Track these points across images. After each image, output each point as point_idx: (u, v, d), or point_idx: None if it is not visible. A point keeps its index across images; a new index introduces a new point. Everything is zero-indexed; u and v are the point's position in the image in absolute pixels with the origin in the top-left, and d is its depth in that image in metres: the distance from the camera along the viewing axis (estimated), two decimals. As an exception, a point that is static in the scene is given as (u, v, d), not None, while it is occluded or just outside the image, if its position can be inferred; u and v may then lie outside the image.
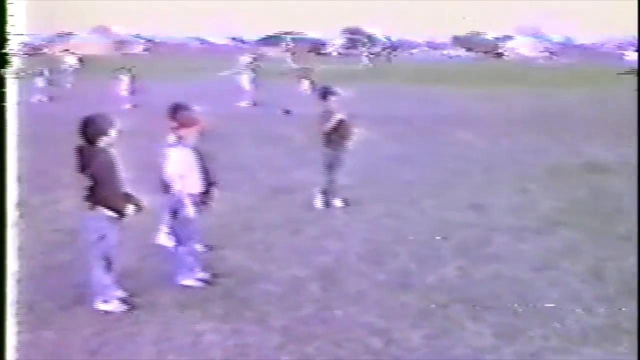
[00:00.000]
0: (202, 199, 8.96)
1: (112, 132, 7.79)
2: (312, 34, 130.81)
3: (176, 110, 9.27)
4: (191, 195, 8.65)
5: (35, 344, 7.20)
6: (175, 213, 8.66)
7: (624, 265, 9.44)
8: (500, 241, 10.68)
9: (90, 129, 7.76)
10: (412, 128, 24.47)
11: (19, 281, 4.66)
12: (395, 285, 8.79)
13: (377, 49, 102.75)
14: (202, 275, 8.85)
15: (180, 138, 8.63)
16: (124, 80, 33.03)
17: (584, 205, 13.09)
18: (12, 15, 3.95)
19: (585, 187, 14.64)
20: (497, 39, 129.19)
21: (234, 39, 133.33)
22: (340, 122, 12.50)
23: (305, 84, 33.83)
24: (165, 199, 8.78)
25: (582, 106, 34.00)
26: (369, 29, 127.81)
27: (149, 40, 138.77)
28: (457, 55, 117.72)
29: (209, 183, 9.01)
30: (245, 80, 33.92)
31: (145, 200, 8.06)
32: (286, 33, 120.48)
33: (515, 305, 8.10)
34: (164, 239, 10.04)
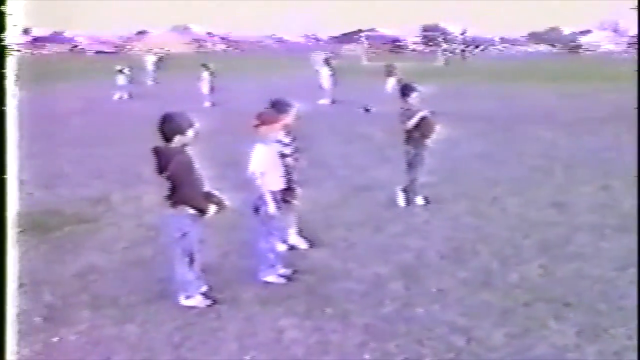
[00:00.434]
0: (284, 197, 8.99)
1: (189, 132, 7.81)
2: (388, 31, 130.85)
3: (277, 106, 9.39)
4: (272, 192, 8.69)
5: (119, 337, 7.32)
6: (256, 210, 8.70)
7: None
8: (582, 239, 10.53)
9: (168, 127, 7.80)
10: (493, 125, 24.28)
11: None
12: (477, 283, 8.72)
13: (453, 46, 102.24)
14: (283, 271, 8.90)
15: (262, 135, 8.65)
16: (204, 78, 33.26)
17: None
18: (10, 14, 3.91)
19: (670, 185, 14.35)
20: (574, 33, 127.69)
21: (309, 36, 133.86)
22: (422, 120, 12.43)
23: (391, 82, 33.63)
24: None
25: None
26: (446, 26, 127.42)
27: (225, 38, 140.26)
28: (534, 51, 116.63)
29: (289, 180, 9.07)
30: (323, 77, 33.93)
31: (227, 197, 8.10)
32: (361, 30, 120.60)
33: (598, 303, 7.98)
34: (295, 239, 10.16)
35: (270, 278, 8.74)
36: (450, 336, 7.18)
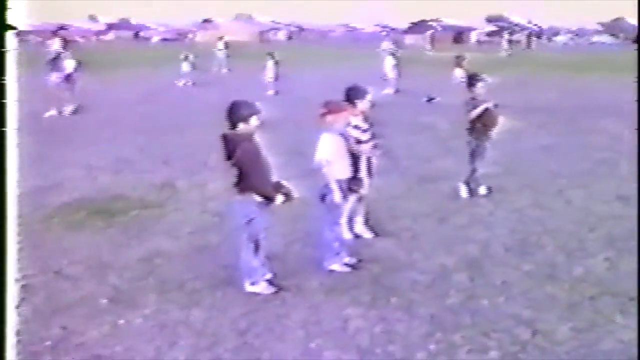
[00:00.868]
0: (350, 186, 9.00)
1: (253, 120, 7.87)
2: (454, 21, 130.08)
3: (353, 92, 9.44)
4: (339, 181, 8.71)
5: (185, 322, 7.41)
6: (323, 198, 8.72)
7: None
8: (648, 234, 10.40)
9: (233, 114, 7.87)
10: (557, 117, 23.98)
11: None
12: (542, 276, 8.67)
13: (518, 37, 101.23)
14: (348, 260, 8.93)
15: (328, 124, 8.66)
16: (268, 66, 33.33)
17: None
18: (10, 9, 3.90)
19: None
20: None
21: (380, 25, 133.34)
22: (486, 111, 12.35)
23: (458, 72, 33.36)
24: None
25: None
26: (512, 17, 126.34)
27: (291, 25, 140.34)
28: (598, 42, 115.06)
29: (356, 170, 9.09)
30: (388, 67, 33.79)
31: (292, 186, 8.15)
32: (431, 20, 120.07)
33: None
34: (361, 228, 10.20)
35: (335, 267, 8.77)
36: (515, 329, 7.16)
